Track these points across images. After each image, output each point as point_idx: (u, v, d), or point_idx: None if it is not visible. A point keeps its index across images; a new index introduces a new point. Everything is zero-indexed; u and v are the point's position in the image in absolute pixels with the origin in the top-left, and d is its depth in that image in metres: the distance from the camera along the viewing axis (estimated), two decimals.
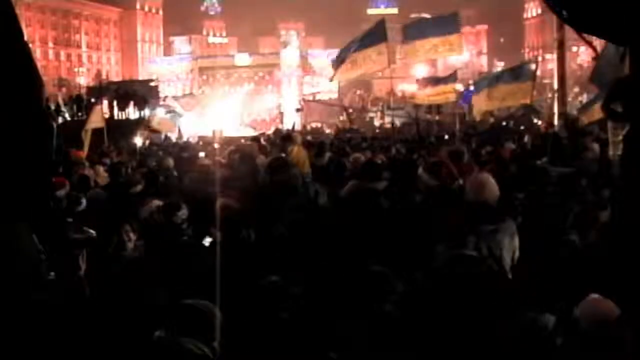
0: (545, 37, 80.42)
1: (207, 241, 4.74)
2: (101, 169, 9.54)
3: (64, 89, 55.10)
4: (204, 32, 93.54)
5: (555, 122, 17.38)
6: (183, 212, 5.20)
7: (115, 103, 28.43)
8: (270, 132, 23.33)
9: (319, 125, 39.62)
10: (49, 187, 1.80)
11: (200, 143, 21.13)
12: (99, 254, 3.72)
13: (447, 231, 4.25)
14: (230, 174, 8.09)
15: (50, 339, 1.65)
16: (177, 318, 3.23)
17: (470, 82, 38.94)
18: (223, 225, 4.79)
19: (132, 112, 28.79)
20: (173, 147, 18.75)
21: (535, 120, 20.98)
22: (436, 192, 5.24)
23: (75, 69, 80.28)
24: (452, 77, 17.81)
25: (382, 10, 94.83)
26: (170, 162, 10.07)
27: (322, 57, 53.69)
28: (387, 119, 29.79)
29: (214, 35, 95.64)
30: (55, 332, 1.74)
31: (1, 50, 1.56)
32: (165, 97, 40.38)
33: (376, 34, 13.07)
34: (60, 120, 23.88)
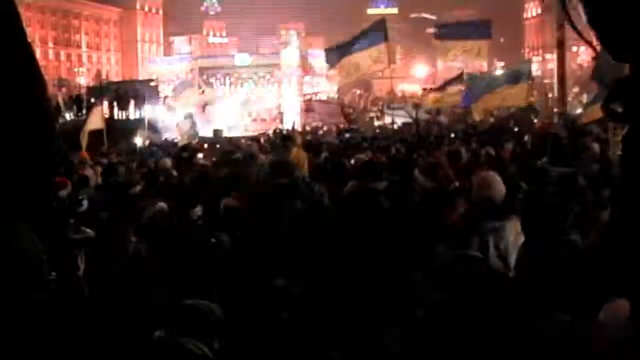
0: (545, 37, 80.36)
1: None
2: (100, 169, 9.53)
3: (64, 89, 55.05)
4: (204, 32, 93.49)
5: (555, 121, 17.40)
6: (198, 210, 5.26)
7: (115, 103, 28.43)
8: (270, 132, 23.34)
9: (319, 125, 39.57)
10: (51, 187, 1.80)
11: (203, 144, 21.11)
12: (98, 255, 3.72)
13: (445, 231, 4.26)
14: (231, 174, 8.10)
15: (50, 339, 1.65)
16: (178, 318, 3.23)
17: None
18: (226, 225, 4.81)
19: (132, 112, 28.78)
20: (172, 148, 18.75)
21: (535, 120, 20.94)
22: (432, 193, 5.26)
23: (75, 69, 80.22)
24: (459, 79, 17.76)
25: (382, 10, 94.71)
26: (168, 162, 10.07)
27: (322, 57, 53.57)
28: (387, 119, 29.78)
29: (214, 35, 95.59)
30: (55, 332, 1.74)
31: (3, 49, 1.56)
32: (166, 97, 40.33)
33: (376, 34, 13.06)
34: (60, 120, 23.88)
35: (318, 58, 56.92)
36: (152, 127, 25.95)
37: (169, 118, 30.80)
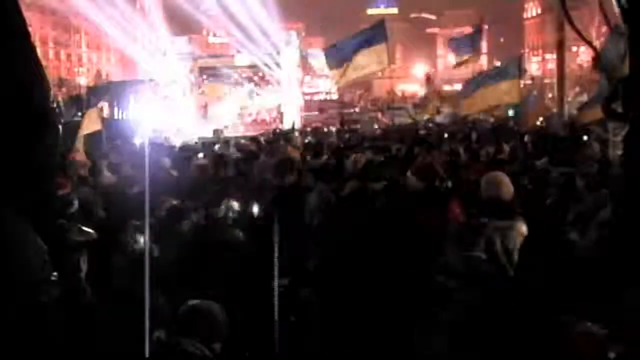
0: (545, 37, 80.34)
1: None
2: (104, 169, 9.51)
3: (64, 89, 55.03)
4: (204, 32, 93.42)
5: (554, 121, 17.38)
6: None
7: (115, 103, 28.39)
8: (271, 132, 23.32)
9: (319, 125, 39.58)
10: (53, 188, 1.80)
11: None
12: (100, 255, 3.72)
13: (439, 231, 4.26)
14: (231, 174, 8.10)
15: (50, 340, 1.65)
16: (178, 319, 3.23)
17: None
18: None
19: (132, 112, 28.74)
20: (172, 148, 18.71)
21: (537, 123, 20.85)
22: (422, 193, 5.28)
23: (75, 69, 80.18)
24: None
25: (382, 10, 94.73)
26: (167, 162, 10.05)
27: (322, 57, 53.57)
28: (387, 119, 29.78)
29: (214, 35, 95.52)
30: (56, 332, 1.74)
31: (6, 49, 1.56)
32: (165, 97, 40.30)
33: (376, 34, 13.04)
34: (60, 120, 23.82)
35: (318, 58, 56.86)
36: (152, 127, 25.92)
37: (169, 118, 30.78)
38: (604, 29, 12.33)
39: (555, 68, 18.21)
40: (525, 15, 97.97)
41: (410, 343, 3.36)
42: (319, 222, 5.37)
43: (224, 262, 4.38)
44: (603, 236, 4.36)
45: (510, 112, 18.46)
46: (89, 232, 3.45)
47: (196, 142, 23.74)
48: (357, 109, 45.26)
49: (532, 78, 56.06)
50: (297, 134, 20.12)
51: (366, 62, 12.89)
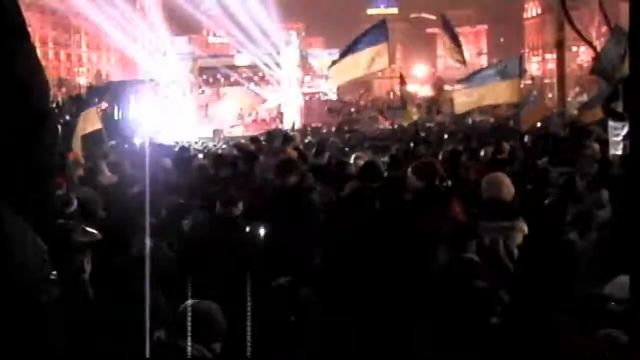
0: (545, 37, 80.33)
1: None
2: (105, 169, 9.51)
3: (64, 89, 55.04)
4: (204, 32, 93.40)
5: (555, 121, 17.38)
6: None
7: (115, 103, 28.40)
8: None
9: (319, 125, 39.58)
10: (53, 187, 1.81)
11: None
12: (104, 256, 3.70)
13: (438, 232, 4.26)
14: (231, 173, 8.10)
15: (50, 340, 1.65)
16: (177, 319, 3.23)
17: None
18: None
19: (132, 112, 28.74)
20: (172, 148, 18.72)
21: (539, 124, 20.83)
22: (422, 193, 5.27)
23: (75, 69, 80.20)
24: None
25: (382, 10, 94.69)
26: (168, 162, 10.05)
27: (322, 57, 53.67)
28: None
29: (214, 35, 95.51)
30: (56, 332, 1.74)
31: (6, 50, 1.56)
32: (166, 97, 40.31)
33: (377, 34, 13.04)
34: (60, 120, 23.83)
35: (318, 58, 56.92)
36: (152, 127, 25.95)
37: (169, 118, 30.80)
38: (604, 29, 12.33)
39: (555, 68, 18.19)
40: (525, 15, 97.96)
41: (410, 343, 3.36)
42: (320, 222, 5.37)
43: (225, 261, 4.38)
44: (603, 236, 4.37)
45: None
46: (92, 233, 3.44)
47: (196, 142, 23.77)
48: (356, 109, 45.25)
49: (532, 78, 56.06)
50: (297, 134, 20.12)
51: (366, 62, 12.89)
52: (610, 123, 8.46)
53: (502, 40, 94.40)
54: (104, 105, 25.33)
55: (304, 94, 47.89)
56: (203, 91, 48.39)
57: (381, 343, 3.44)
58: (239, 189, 6.21)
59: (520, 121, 15.15)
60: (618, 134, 8.16)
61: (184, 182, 8.32)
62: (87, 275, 3.38)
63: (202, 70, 49.37)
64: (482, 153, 11.08)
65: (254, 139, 13.62)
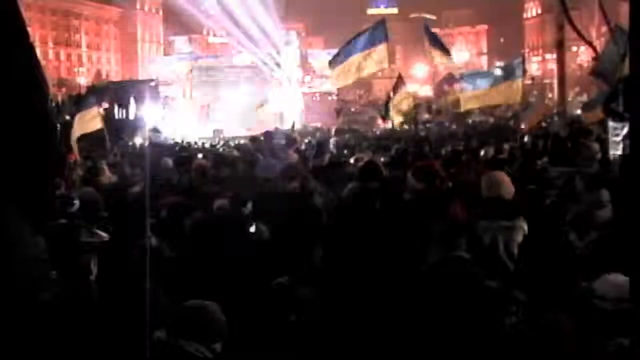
0: (545, 37, 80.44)
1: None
2: (106, 169, 9.52)
3: (64, 89, 55.08)
4: (204, 32, 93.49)
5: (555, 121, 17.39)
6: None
7: (115, 103, 28.43)
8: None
9: (319, 125, 39.59)
10: (53, 188, 1.81)
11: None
12: (110, 257, 3.70)
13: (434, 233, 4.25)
14: (230, 173, 8.10)
15: (51, 339, 1.65)
16: (178, 319, 3.23)
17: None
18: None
19: (132, 112, 28.79)
20: (172, 148, 18.73)
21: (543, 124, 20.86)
22: (421, 195, 5.27)
23: (75, 69, 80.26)
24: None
25: (382, 10, 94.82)
26: (170, 162, 10.05)
27: (322, 57, 53.73)
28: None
29: (214, 35, 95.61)
30: (56, 332, 1.74)
31: (5, 50, 1.56)
32: (166, 97, 40.35)
33: (376, 34, 13.04)
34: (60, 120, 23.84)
35: (318, 58, 57.04)
36: (152, 127, 26.00)
37: (170, 118, 30.83)
38: (604, 29, 12.33)
39: (555, 68, 18.19)
40: (525, 15, 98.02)
41: (410, 342, 3.36)
42: (321, 223, 5.37)
43: (228, 261, 4.38)
44: (603, 237, 4.36)
45: None
46: (99, 234, 3.45)
47: (196, 142, 23.79)
48: (356, 109, 45.27)
49: (532, 78, 56.07)
50: (297, 134, 20.15)
51: (367, 62, 12.89)
52: (610, 123, 8.46)
53: (502, 40, 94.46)
54: (105, 105, 25.35)
55: (304, 94, 47.92)
56: (203, 91, 48.42)
57: (381, 343, 3.44)
58: (239, 188, 6.21)
59: (521, 121, 15.18)
60: (618, 134, 8.16)
61: (184, 181, 8.32)
62: (93, 277, 3.38)
63: (202, 70, 49.40)
64: (482, 153, 11.10)
65: (254, 139, 13.63)
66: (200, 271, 4.26)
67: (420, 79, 74.79)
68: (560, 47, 17.15)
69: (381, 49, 12.76)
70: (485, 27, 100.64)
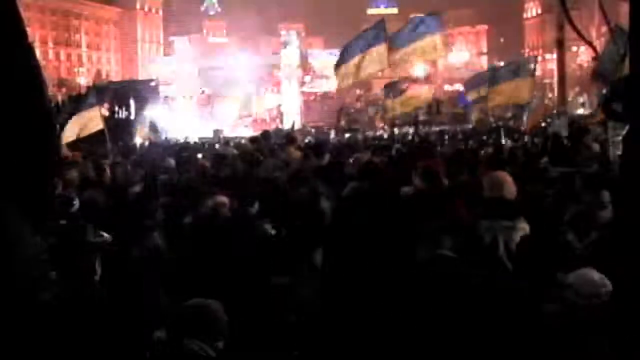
0: (545, 37, 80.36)
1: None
2: (106, 169, 9.52)
3: (64, 89, 55.09)
4: (204, 32, 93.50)
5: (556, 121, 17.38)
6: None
7: (115, 103, 28.39)
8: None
9: (320, 125, 39.64)
10: (52, 188, 1.81)
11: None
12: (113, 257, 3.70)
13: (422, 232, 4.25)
14: (230, 173, 8.11)
15: (51, 339, 1.65)
16: (180, 318, 3.23)
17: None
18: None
19: (132, 112, 28.76)
20: (172, 148, 18.74)
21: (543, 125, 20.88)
22: (425, 194, 5.27)
23: (75, 69, 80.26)
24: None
25: (382, 10, 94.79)
26: (172, 162, 10.07)
27: (322, 57, 53.79)
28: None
29: (214, 35, 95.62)
30: (57, 332, 1.74)
31: (4, 50, 1.56)
32: (166, 97, 40.35)
33: (376, 35, 13.03)
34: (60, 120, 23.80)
35: (318, 58, 57.00)
36: (153, 127, 25.99)
37: (170, 118, 30.81)
38: (604, 29, 12.33)
39: (555, 68, 18.19)
40: (525, 15, 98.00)
41: (410, 342, 3.36)
42: (323, 224, 5.37)
43: (226, 261, 4.38)
44: (603, 237, 4.36)
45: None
46: (103, 235, 3.44)
47: (195, 142, 23.79)
48: (355, 109, 45.28)
49: (533, 75, 55.94)
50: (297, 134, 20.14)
51: (367, 62, 12.89)
52: (610, 123, 8.46)
53: (502, 40, 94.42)
54: (106, 105, 25.34)
55: (304, 94, 47.94)
56: (203, 91, 48.44)
57: (381, 342, 3.44)
58: (240, 188, 6.22)
59: (523, 121, 15.20)
60: (618, 134, 8.16)
61: (183, 181, 8.33)
62: (97, 277, 3.38)
63: (202, 70, 49.39)
64: (482, 153, 11.10)
65: (254, 139, 13.63)
66: (203, 270, 4.27)
67: (420, 79, 74.77)
68: (560, 47, 17.15)
69: (381, 49, 12.76)
70: (485, 27, 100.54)
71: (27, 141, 1.58)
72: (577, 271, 3.25)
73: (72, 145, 12.09)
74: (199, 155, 12.94)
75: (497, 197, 4.68)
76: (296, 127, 30.82)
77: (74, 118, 12.68)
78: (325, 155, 9.50)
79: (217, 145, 19.92)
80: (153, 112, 29.73)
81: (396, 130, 19.00)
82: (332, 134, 27.39)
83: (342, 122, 32.62)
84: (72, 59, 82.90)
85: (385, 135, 21.19)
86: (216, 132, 30.78)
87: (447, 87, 67.89)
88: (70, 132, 12.13)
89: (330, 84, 48.53)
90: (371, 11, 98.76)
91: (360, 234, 4.58)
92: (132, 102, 28.45)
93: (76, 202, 6.05)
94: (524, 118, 15.61)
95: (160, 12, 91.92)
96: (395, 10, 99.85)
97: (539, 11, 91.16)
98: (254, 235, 5.00)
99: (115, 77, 75.58)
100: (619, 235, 3.80)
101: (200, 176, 8.40)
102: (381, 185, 6.00)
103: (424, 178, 5.44)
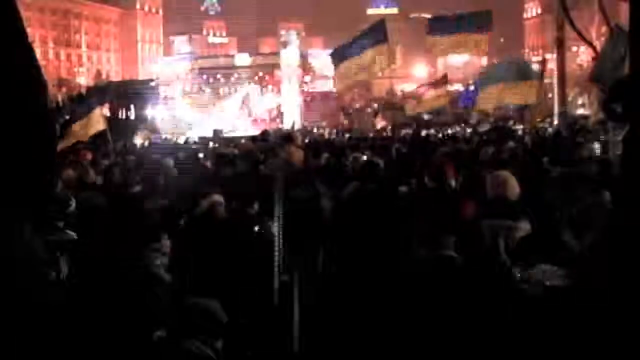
0: (545, 37, 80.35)
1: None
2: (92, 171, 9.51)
3: (64, 89, 55.09)
4: (204, 32, 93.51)
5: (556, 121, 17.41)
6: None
7: (115, 103, 28.40)
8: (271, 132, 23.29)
9: (320, 124, 39.65)
10: (52, 188, 1.81)
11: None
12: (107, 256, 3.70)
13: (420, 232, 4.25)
14: (231, 173, 8.11)
15: (51, 339, 1.65)
16: (179, 317, 3.23)
17: (471, 81, 38.91)
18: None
19: (132, 112, 28.78)
20: (172, 148, 18.73)
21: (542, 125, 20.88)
22: (432, 194, 5.27)
23: (75, 69, 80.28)
24: (443, 80, 17.93)
25: (382, 10, 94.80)
26: (171, 162, 10.06)
27: (322, 57, 53.70)
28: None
29: (214, 35, 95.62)
30: (57, 332, 1.74)
31: (4, 50, 1.56)
32: (166, 97, 40.35)
33: (376, 35, 13.03)
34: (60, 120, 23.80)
35: (318, 58, 56.99)
36: (153, 127, 26.04)
37: (170, 118, 30.83)
38: (604, 29, 12.34)
39: (555, 68, 18.18)
40: (525, 15, 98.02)
41: (410, 342, 3.36)
42: (324, 223, 5.37)
43: (227, 260, 4.38)
44: (603, 237, 4.36)
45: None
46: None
47: (195, 142, 23.79)
48: (355, 109, 45.28)
49: (540, 77, 55.98)
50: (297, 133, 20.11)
51: (367, 62, 12.88)
52: (610, 123, 8.47)
53: (502, 40, 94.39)
54: (106, 105, 25.34)
55: (304, 94, 47.93)
56: (203, 91, 48.44)
57: (381, 342, 3.44)
58: (241, 187, 6.22)
59: (524, 121, 15.25)
60: (618, 134, 8.16)
61: (184, 181, 8.33)
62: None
63: (202, 70, 49.40)
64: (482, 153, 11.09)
65: (253, 139, 13.63)
66: (202, 270, 4.27)
67: (420, 79, 74.74)
68: (560, 47, 17.13)
69: (381, 49, 12.75)
70: None
71: (26, 141, 1.58)
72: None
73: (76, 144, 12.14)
74: (200, 155, 12.93)
75: (500, 196, 4.68)
76: (296, 127, 30.82)
77: (81, 123, 12.70)
78: (322, 155, 9.50)
79: (215, 145, 19.90)
80: (153, 112, 29.75)
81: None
82: (326, 134, 27.44)
83: (344, 122, 32.66)
84: (72, 59, 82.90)
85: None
86: (216, 132, 30.79)
87: (447, 87, 67.81)
88: (74, 135, 12.17)
89: (330, 84, 48.52)
90: (371, 11, 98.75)
91: (360, 233, 4.58)
92: (132, 102, 28.47)
93: (72, 203, 6.04)
94: (528, 116, 15.65)
95: (160, 12, 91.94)
96: (395, 10, 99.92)
97: (539, 11, 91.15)
98: (253, 235, 5.00)
99: (115, 77, 75.58)
100: (618, 236, 3.80)
101: (200, 176, 8.40)
102: (381, 185, 6.01)
103: (434, 177, 5.43)
